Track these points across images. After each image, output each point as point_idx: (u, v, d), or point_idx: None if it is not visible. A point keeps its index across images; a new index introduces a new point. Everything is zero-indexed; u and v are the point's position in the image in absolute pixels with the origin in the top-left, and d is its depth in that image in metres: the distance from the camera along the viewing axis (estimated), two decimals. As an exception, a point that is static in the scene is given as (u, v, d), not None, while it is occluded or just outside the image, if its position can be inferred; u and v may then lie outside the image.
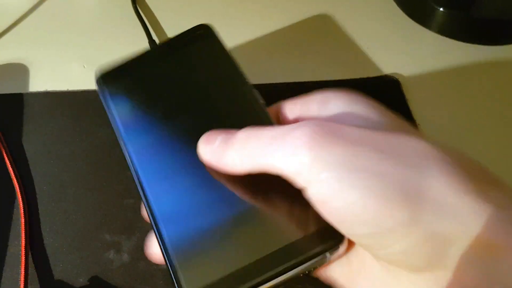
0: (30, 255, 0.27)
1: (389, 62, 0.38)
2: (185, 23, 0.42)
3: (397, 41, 0.39)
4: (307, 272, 0.17)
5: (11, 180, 0.29)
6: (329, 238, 0.17)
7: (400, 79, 0.36)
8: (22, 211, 0.28)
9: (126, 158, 0.21)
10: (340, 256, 0.18)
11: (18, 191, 0.29)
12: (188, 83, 0.23)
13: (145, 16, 0.41)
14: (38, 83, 0.36)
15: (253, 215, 0.18)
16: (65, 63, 0.37)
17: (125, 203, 0.29)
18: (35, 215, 0.28)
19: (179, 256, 0.18)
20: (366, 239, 0.16)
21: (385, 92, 0.35)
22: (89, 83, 0.36)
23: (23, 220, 0.28)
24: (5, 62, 0.37)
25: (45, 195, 0.29)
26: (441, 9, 0.38)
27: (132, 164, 0.21)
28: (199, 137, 0.20)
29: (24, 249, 0.26)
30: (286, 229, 0.18)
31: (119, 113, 0.23)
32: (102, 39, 0.39)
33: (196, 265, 0.18)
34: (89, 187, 0.30)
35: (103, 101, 0.24)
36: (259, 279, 0.17)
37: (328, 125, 0.16)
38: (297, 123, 0.17)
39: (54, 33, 0.40)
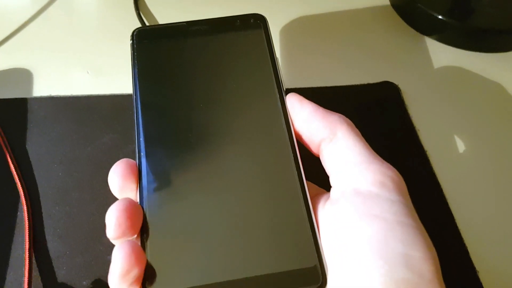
0: (34, 258, 0.27)
1: (389, 68, 0.38)
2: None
3: (397, 48, 0.40)
4: None
5: (15, 184, 0.30)
6: (307, 282, 0.17)
7: (400, 85, 0.36)
8: (26, 214, 0.28)
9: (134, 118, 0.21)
10: None
11: (22, 195, 0.29)
12: (217, 69, 0.22)
13: (148, 22, 0.42)
14: (42, 88, 0.36)
15: (242, 235, 0.18)
16: (69, 68, 0.38)
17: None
18: (39, 219, 0.29)
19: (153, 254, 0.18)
20: None
21: (386, 98, 0.35)
22: (93, 89, 0.36)
23: (27, 224, 0.28)
24: (9, 67, 0.38)
25: (49, 199, 0.29)
26: (440, 17, 0.39)
27: (137, 126, 0.21)
28: (205, 127, 0.20)
29: (28, 253, 0.27)
30: (266, 258, 0.17)
31: (140, 72, 0.22)
32: (106, 45, 0.40)
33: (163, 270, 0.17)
34: (92, 191, 0.30)
35: (131, 57, 0.23)
36: None
37: None
38: None
39: (58, 39, 0.40)
